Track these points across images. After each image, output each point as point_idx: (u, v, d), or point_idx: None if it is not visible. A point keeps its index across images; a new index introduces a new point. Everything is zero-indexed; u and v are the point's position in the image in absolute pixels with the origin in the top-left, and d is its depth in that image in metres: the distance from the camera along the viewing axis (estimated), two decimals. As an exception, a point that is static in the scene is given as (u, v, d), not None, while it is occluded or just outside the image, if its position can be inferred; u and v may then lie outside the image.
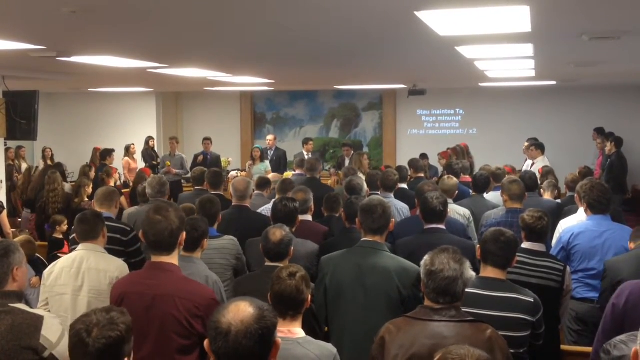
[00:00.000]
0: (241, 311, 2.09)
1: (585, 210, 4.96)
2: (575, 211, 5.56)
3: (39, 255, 6.27)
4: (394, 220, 4.01)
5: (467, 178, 7.90)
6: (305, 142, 12.70)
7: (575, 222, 5.14)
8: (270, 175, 8.74)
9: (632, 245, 4.28)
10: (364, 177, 7.21)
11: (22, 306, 3.05)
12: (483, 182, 6.77)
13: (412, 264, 3.75)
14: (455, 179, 6.80)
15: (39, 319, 2.98)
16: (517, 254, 3.68)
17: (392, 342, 2.84)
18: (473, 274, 2.94)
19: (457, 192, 6.31)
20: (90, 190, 7.97)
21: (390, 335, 2.87)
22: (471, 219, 5.93)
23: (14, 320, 2.92)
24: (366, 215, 3.87)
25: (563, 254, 4.85)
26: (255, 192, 6.97)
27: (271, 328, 2.12)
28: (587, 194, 4.91)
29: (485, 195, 6.81)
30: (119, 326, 2.30)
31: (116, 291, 3.33)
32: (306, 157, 10.73)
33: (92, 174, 9.41)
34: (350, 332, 3.70)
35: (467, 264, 2.91)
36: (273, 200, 5.34)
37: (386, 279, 3.68)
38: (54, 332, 2.96)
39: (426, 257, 2.95)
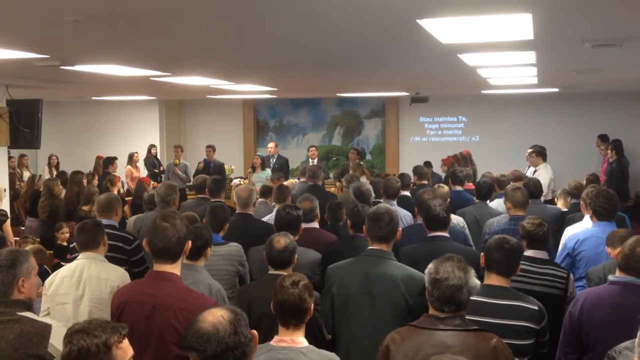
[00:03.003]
0: (217, 313, 2.20)
1: (591, 217, 4.96)
2: (579, 218, 5.55)
3: (45, 267, 6.25)
4: (400, 229, 4.00)
5: (471, 185, 7.88)
6: (308, 149, 12.97)
7: (580, 229, 5.13)
8: (287, 182, 8.78)
9: (609, 250, 4.28)
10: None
11: (30, 315, 3.06)
12: (486, 189, 6.76)
13: (419, 272, 3.73)
14: (446, 187, 6.82)
15: (47, 328, 2.98)
16: (521, 262, 3.68)
17: (396, 351, 2.83)
18: (478, 282, 2.92)
19: (449, 199, 6.33)
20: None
21: (395, 344, 2.86)
22: (465, 226, 5.93)
23: (22, 329, 2.92)
24: (373, 223, 3.86)
25: (568, 261, 4.84)
26: (259, 200, 6.98)
27: (246, 318, 2.25)
28: (592, 201, 4.91)
29: (489, 202, 6.80)
30: (89, 338, 2.22)
31: (117, 299, 3.32)
32: (310, 163, 10.80)
33: (95, 182, 9.44)
34: (358, 341, 3.69)
35: (472, 272, 2.89)
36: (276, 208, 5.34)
37: (393, 288, 3.67)
38: (62, 341, 2.96)
39: (430, 266, 2.94)
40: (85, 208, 7.93)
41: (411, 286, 3.67)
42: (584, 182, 7.94)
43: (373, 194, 6.28)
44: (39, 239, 8.25)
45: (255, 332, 2.27)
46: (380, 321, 3.64)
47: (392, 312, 3.65)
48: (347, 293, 3.77)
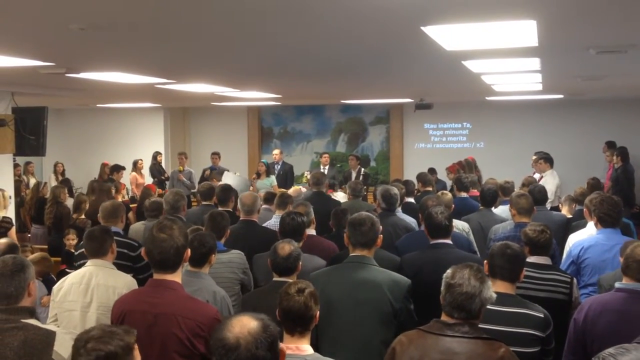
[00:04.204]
0: (246, 324, 2.13)
1: (595, 224, 4.94)
2: (584, 225, 5.53)
3: (52, 275, 6.26)
4: (381, 236, 3.99)
5: (476, 192, 7.88)
6: (320, 155, 13.11)
7: (585, 236, 5.11)
8: (291, 190, 8.79)
9: (622, 260, 4.26)
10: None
11: (34, 322, 3.06)
12: (491, 197, 6.75)
13: (402, 276, 3.79)
14: (450, 194, 6.81)
15: (51, 335, 2.98)
16: (524, 268, 3.67)
17: (402, 354, 2.83)
18: (493, 294, 2.89)
19: (453, 206, 6.35)
20: (88, 206, 8.03)
21: (402, 347, 2.85)
22: (470, 232, 5.92)
23: (26, 336, 2.93)
24: (355, 229, 3.87)
25: (573, 268, 4.82)
26: (263, 206, 6.98)
27: (277, 336, 2.18)
28: (596, 208, 4.89)
29: (494, 209, 6.78)
30: (114, 342, 2.25)
31: (118, 308, 3.29)
32: (321, 170, 10.86)
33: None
34: (344, 348, 3.67)
35: (489, 284, 2.88)
36: (280, 215, 5.33)
37: (378, 293, 3.68)
38: (66, 348, 2.97)
39: (449, 270, 2.94)
40: (74, 215, 7.94)
41: (396, 291, 3.68)
42: (586, 187, 7.94)
43: (399, 199, 6.25)
44: (46, 246, 8.28)
45: (283, 347, 2.22)
46: (365, 327, 3.65)
47: (377, 318, 3.66)
48: (330, 301, 3.74)
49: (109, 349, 2.23)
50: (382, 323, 3.59)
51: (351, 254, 3.89)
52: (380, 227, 4.03)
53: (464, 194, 7.54)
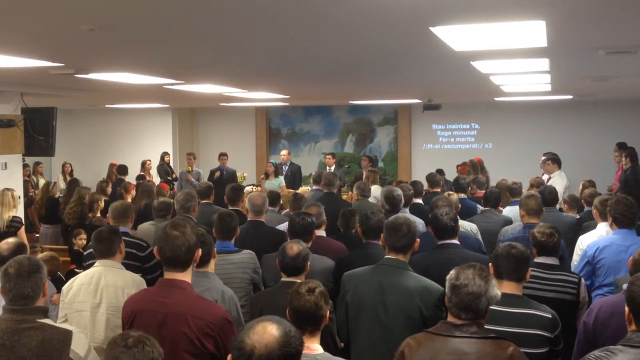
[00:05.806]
0: (267, 334, 2.10)
1: (611, 225, 4.95)
2: (594, 226, 5.51)
3: (60, 274, 6.29)
4: (419, 240, 3.96)
5: (482, 193, 7.86)
6: (324, 156, 13.18)
7: (595, 237, 5.10)
8: (299, 191, 8.78)
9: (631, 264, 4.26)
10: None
11: (49, 321, 3.08)
12: (494, 198, 6.77)
13: (435, 283, 3.71)
14: (455, 195, 6.80)
15: (68, 334, 3.01)
16: (531, 269, 3.67)
17: (411, 357, 2.82)
18: (498, 292, 2.89)
19: (460, 206, 6.36)
20: (102, 204, 8.03)
21: (410, 350, 2.84)
22: (478, 233, 5.91)
23: (43, 336, 2.95)
24: (390, 233, 3.85)
25: (588, 268, 4.81)
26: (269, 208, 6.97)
27: (295, 355, 2.13)
28: (612, 208, 4.90)
29: (503, 210, 6.77)
30: (156, 349, 2.42)
31: (128, 308, 3.30)
32: (327, 171, 10.84)
33: (109, 189, 9.47)
34: (371, 351, 3.68)
35: (493, 282, 2.87)
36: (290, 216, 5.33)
37: (407, 299, 3.65)
38: (82, 347, 3.00)
39: (452, 272, 2.93)
40: (90, 215, 7.96)
41: (426, 298, 3.64)
42: (580, 188, 7.95)
43: (403, 200, 6.24)
44: (64, 247, 8.30)
45: None
46: (392, 331, 3.63)
47: (404, 323, 3.62)
48: (360, 301, 3.76)
49: (153, 355, 2.39)
50: (409, 329, 3.52)
51: (386, 257, 3.88)
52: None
53: (462, 195, 7.52)
